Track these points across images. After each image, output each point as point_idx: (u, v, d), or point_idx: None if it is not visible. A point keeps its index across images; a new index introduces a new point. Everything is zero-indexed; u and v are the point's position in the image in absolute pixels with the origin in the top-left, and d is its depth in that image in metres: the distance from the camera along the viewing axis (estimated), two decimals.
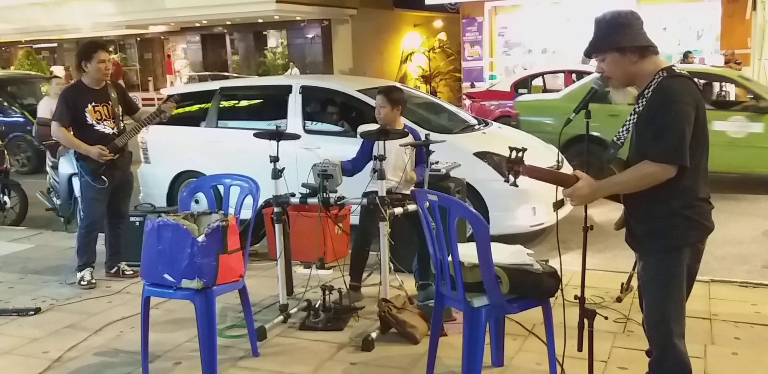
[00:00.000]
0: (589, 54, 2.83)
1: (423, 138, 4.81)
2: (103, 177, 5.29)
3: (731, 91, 14.71)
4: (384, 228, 4.25)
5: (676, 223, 2.70)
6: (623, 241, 2.95)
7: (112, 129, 5.31)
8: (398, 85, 7.54)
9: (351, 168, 4.85)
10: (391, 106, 4.83)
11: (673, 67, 2.71)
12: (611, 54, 2.74)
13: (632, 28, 2.72)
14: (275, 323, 4.38)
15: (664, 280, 2.74)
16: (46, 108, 8.69)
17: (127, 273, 5.52)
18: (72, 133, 5.28)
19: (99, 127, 5.27)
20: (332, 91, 7.14)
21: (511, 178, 2.75)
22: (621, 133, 2.83)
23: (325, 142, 6.60)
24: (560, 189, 2.80)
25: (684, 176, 2.64)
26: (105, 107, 5.30)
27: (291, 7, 22.68)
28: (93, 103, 5.25)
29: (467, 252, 3.18)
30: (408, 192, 4.57)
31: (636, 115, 2.73)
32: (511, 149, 2.76)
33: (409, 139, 4.77)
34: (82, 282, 5.32)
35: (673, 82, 2.65)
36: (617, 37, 2.71)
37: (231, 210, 3.93)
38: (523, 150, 2.75)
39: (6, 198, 7.83)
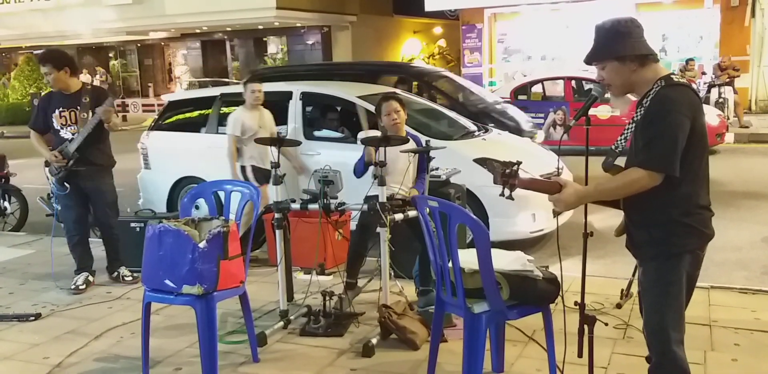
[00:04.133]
0: (588, 62, 2.84)
1: (424, 144, 4.83)
2: (65, 183, 5.33)
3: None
4: (384, 234, 4.25)
5: (675, 231, 2.70)
6: (623, 248, 2.96)
7: (73, 134, 5.28)
8: (397, 91, 7.58)
9: (359, 169, 4.89)
10: (404, 109, 4.86)
11: (672, 76, 2.72)
12: (611, 62, 2.75)
13: (632, 36, 2.72)
14: (275, 329, 4.38)
15: (663, 287, 2.75)
16: (237, 120, 6.13)
17: (126, 278, 5.52)
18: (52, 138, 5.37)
19: (62, 133, 5.29)
20: (332, 97, 7.15)
21: (507, 191, 2.76)
22: (619, 141, 2.84)
23: (325, 148, 6.62)
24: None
25: (684, 183, 2.65)
26: (72, 112, 5.28)
27: (291, 14, 22.73)
28: (60, 109, 5.28)
29: (467, 259, 3.19)
30: (408, 198, 4.58)
31: (634, 124, 2.74)
32: (505, 163, 2.76)
33: (411, 145, 4.79)
34: (72, 287, 5.37)
35: (670, 91, 2.65)
36: (617, 45, 2.72)
37: (232, 216, 3.94)
38: (518, 163, 2.75)
39: (6, 204, 7.84)
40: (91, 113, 5.24)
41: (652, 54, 2.74)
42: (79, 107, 5.28)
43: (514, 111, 9.60)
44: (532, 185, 2.81)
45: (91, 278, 5.49)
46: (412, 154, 4.81)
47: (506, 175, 2.72)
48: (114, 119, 5.27)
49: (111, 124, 5.25)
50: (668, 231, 2.71)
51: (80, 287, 5.36)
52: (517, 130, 8.39)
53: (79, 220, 5.50)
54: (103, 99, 5.30)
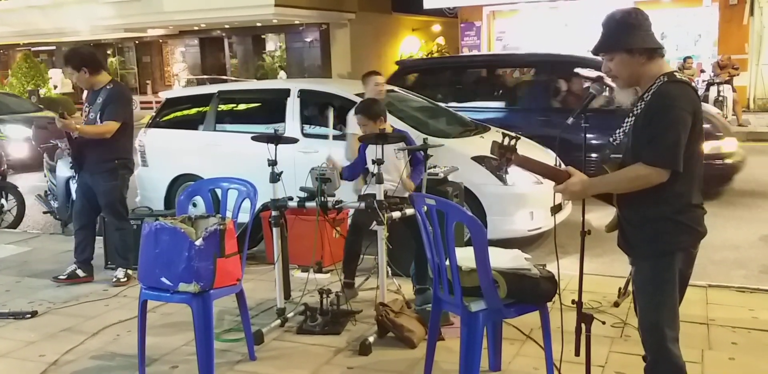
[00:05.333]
0: (596, 52, 2.83)
1: (415, 140, 4.83)
2: (75, 176, 5.59)
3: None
4: (381, 232, 4.25)
5: (668, 228, 2.71)
6: None
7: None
8: (395, 88, 7.56)
9: (349, 174, 4.90)
10: (374, 121, 4.83)
11: (675, 73, 2.72)
12: (620, 54, 2.73)
13: (642, 28, 2.71)
14: (272, 327, 4.37)
15: (657, 285, 2.75)
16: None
17: (121, 280, 5.44)
18: None
19: None
20: (330, 94, 7.13)
21: (503, 166, 2.75)
22: (617, 135, 2.83)
23: (323, 145, 6.59)
24: (558, 195, 2.82)
25: (678, 181, 2.65)
26: (88, 109, 5.41)
27: (289, 11, 22.72)
28: (85, 106, 5.50)
29: (465, 257, 3.19)
30: (405, 195, 4.57)
31: (634, 118, 2.74)
32: (504, 135, 2.75)
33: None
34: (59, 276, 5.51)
35: (672, 87, 2.66)
36: (627, 37, 2.71)
37: (229, 214, 3.94)
38: (517, 137, 2.75)
39: (3, 201, 7.82)
40: (99, 113, 5.29)
41: (660, 48, 2.73)
42: (91, 106, 5.37)
43: None
44: (530, 164, 2.81)
45: (79, 272, 5.48)
46: (403, 151, 4.81)
47: (504, 147, 2.71)
48: (83, 128, 5.23)
49: (80, 133, 5.23)
50: (661, 228, 2.71)
51: (60, 277, 5.44)
52: None
53: (79, 212, 5.61)
54: (112, 100, 5.29)
